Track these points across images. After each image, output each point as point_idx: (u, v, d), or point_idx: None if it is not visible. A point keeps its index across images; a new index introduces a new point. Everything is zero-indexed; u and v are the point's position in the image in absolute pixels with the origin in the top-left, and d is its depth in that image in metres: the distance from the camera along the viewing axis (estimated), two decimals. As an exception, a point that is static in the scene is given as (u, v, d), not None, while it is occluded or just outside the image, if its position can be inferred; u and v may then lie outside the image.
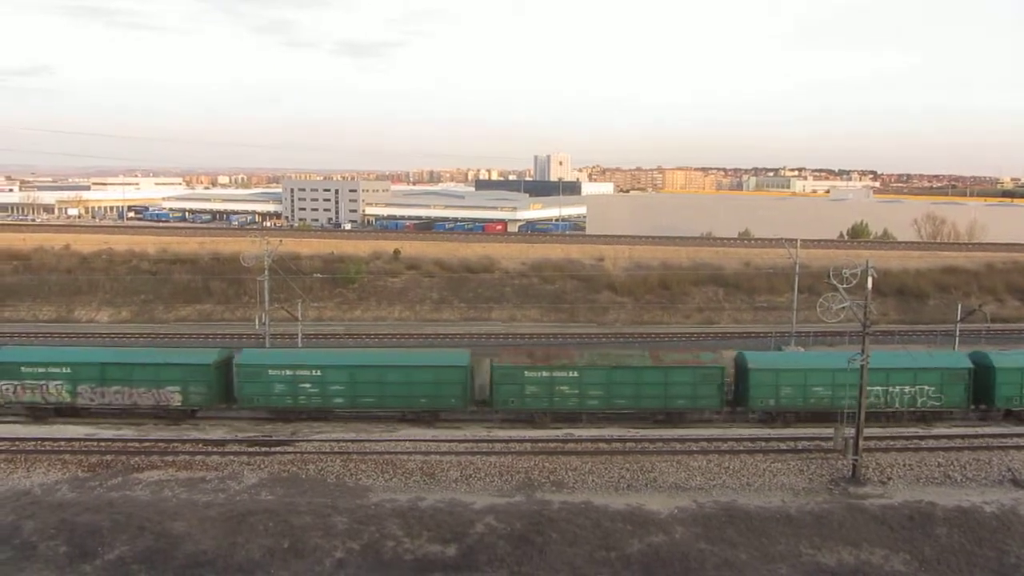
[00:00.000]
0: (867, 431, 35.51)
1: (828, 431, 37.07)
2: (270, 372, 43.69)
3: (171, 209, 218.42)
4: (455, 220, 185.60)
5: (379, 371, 43.96)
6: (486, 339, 68.64)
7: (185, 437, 39.79)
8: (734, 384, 45.25)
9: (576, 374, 43.45)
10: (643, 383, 43.47)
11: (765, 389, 43.59)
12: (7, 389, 44.31)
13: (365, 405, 43.98)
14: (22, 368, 44.38)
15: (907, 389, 43.64)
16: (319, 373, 43.60)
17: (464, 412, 44.22)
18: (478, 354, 48.32)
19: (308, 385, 43.53)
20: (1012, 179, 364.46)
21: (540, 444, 38.15)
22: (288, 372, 43.64)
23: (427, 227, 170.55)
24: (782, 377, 43.70)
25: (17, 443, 38.03)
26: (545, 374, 43.41)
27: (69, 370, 44.19)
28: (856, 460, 34.33)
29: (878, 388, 42.73)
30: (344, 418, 43.92)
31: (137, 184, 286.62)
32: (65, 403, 44.42)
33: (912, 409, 43.93)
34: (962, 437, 39.19)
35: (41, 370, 44.31)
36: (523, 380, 43.39)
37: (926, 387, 43.71)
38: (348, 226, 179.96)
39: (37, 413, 44.50)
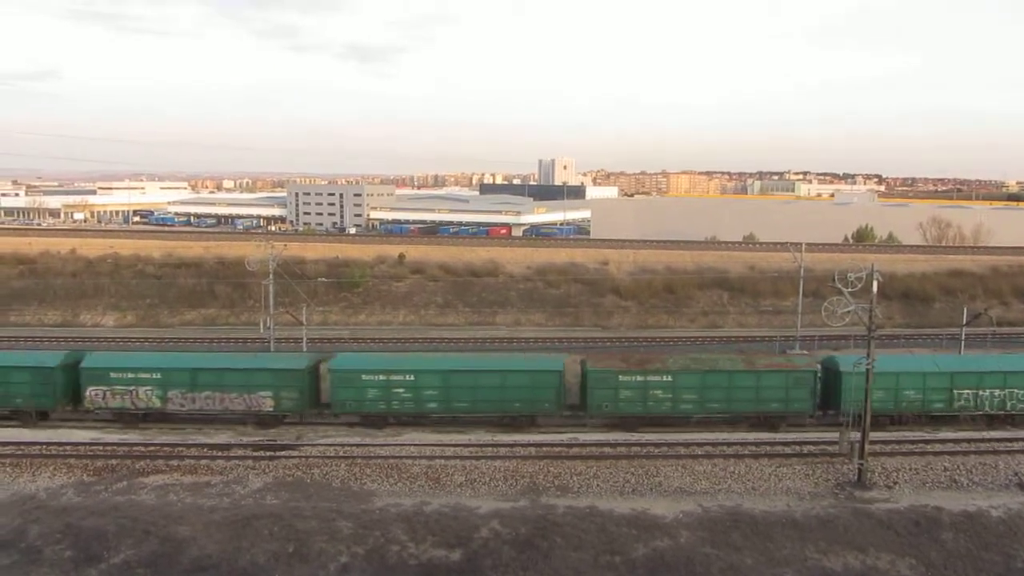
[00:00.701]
0: (872, 435, 35.44)
1: (835, 435, 37.00)
2: (363, 377, 43.53)
3: (176, 213, 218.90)
4: (460, 224, 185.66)
5: (473, 375, 43.73)
6: (491, 343, 68.69)
7: (190, 441, 39.84)
8: (823, 388, 44.85)
9: (670, 378, 43.31)
10: (736, 387, 43.36)
11: (858, 393, 43.52)
12: (96, 395, 44.04)
13: (459, 410, 43.71)
14: (111, 374, 44.11)
15: (997, 392, 43.77)
16: (413, 378, 43.44)
17: (558, 417, 44.06)
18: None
19: (402, 390, 43.30)
20: (1018, 182, 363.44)
21: (545, 448, 38.13)
22: (382, 377, 43.43)
23: (432, 231, 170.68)
24: (875, 381, 43.67)
25: (22, 447, 38.14)
26: (639, 378, 43.21)
27: (159, 375, 44.02)
28: (862, 464, 34.27)
29: (968, 392, 43.39)
30: (439, 423, 43.60)
31: (143, 188, 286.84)
32: (155, 409, 44.14)
33: (1002, 412, 44.06)
34: (968, 441, 39.15)
35: (131, 375, 44.06)
36: (617, 384, 43.18)
37: (1016, 390, 43.78)
38: (353, 230, 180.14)
39: (126, 419, 44.21)
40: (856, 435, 34.93)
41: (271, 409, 43.98)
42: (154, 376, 44.10)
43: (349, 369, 44.19)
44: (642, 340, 69.82)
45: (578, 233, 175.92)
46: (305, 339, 60.02)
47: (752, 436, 40.61)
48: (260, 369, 44.54)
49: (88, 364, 44.86)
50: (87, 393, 44.24)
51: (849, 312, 34.63)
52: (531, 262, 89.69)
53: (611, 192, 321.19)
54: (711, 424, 43.74)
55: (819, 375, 44.13)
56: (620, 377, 43.17)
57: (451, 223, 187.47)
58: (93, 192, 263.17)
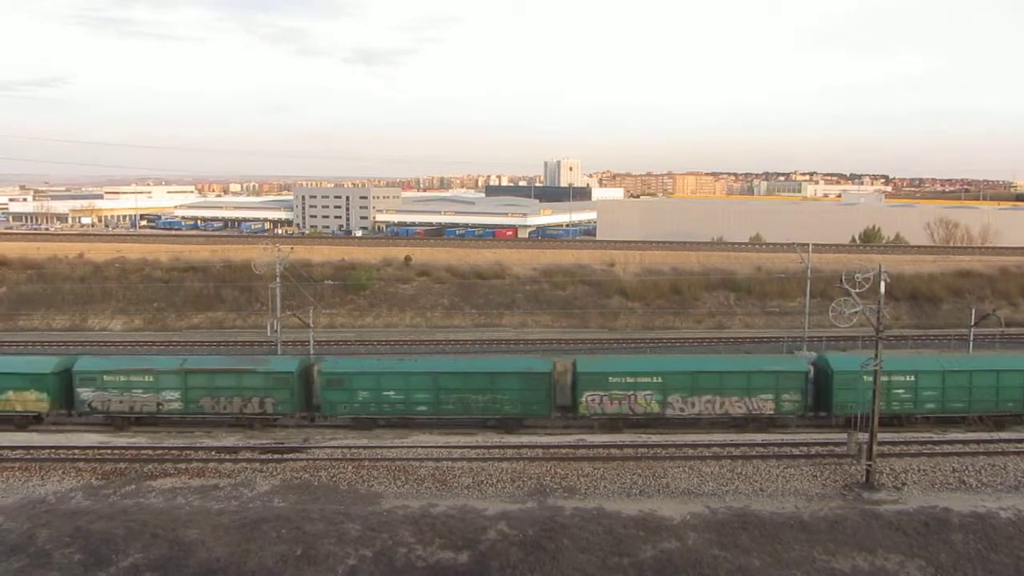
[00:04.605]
0: (880, 436, 35.32)
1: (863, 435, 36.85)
2: (866, 379, 43.60)
3: (183, 217, 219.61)
4: (466, 226, 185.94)
5: (967, 375, 44.01)
6: (497, 345, 68.70)
7: (198, 444, 39.95)
8: None
9: None
10: None
11: None
12: (592, 400, 43.36)
13: (954, 410, 44.07)
14: (609, 378, 43.55)
15: None
16: (913, 379, 43.64)
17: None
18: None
19: (901, 391, 43.61)
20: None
21: (552, 450, 38.11)
22: (883, 379, 43.65)
23: (438, 233, 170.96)
24: None
25: (32, 451, 38.30)
26: None
27: (660, 379, 43.34)
28: (870, 466, 34.15)
29: None
30: (916, 423, 43.93)
31: (149, 193, 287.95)
32: (652, 415, 43.38)
33: None
34: (977, 442, 39.00)
35: (629, 380, 43.43)
36: None
37: None
38: (359, 233, 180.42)
39: (617, 424, 43.57)
40: (864, 436, 34.81)
41: (771, 412, 43.23)
42: (654, 380, 43.36)
43: (853, 371, 43.06)
44: (648, 342, 69.77)
45: (584, 234, 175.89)
46: (312, 342, 60.12)
47: (760, 437, 40.52)
48: (760, 371, 43.83)
49: (583, 369, 44.13)
50: (583, 399, 43.55)
51: (857, 313, 34.55)
52: (537, 263, 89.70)
53: (617, 193, 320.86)
54: None
55: None
56: None
57: (457, 225, 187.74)
58: (100, 197, 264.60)
